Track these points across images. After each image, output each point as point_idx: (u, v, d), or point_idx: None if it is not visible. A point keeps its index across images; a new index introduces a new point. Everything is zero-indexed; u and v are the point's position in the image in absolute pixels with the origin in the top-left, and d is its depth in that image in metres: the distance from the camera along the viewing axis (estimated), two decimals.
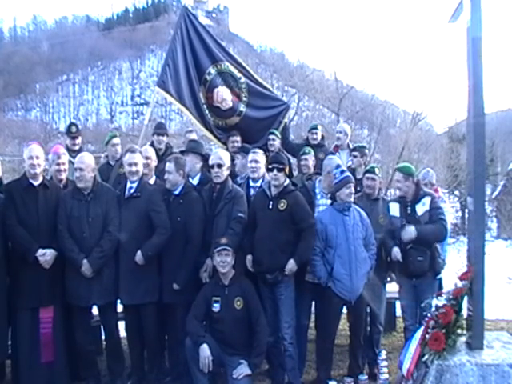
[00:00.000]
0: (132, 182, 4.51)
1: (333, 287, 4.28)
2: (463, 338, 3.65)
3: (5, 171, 6.33)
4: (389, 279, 5.13)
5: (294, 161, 6.51)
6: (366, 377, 4.30)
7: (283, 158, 4.59)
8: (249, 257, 4.41)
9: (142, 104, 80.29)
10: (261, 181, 4.78)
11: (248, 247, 4.43)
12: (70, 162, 4.84)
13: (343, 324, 5.12)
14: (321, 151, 6.00)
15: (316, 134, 6.34)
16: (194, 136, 6.12)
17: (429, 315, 3.71)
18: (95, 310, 4.63)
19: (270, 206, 4.38)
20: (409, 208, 4.58)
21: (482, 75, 3.62)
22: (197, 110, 6.23)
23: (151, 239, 4.35)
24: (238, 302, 4.15)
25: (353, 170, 5.44)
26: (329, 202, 4.61)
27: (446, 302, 3.66)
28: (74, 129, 5.89)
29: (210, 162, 4.58)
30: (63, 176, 4.65)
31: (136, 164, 4.50)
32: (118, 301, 4.54)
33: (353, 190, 4.40)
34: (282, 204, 4.35)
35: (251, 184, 4.86)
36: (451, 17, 3.96)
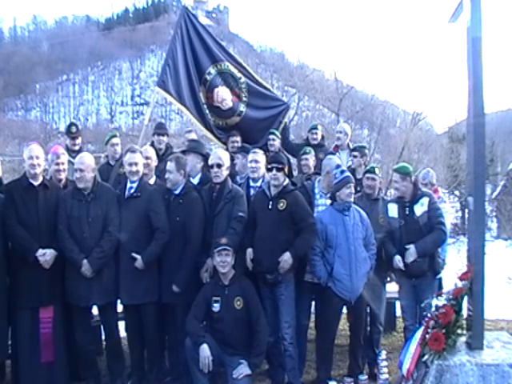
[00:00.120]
0: (132, 182, 4.51)
1: (333, 287, 4.28)
2: (463, 338, 3.65)
3: (5, 171, 6.33)
4: (389, 279, 5.14)
5: (294, 161, 6.51)
6: (365, 377, 4.31)
7: (282, 157, 4.59)
8: (249, 250, 4.39)
9: (142, 104, 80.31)
10: (261, 181, 4.79)
11: (248, 247, 4.42)
12: (70, 162, 4.84)
13: (343, 324, 5.12)
14: (321, 151, 6.00)
15: (316, 133, 6.35)
16: (193, 136, 6.13)
17: (429, 315, 3.72)
18: (95, 310, 4.63)
19: (270, 206, 4.38)
20: (407, 209, 4.58)
21: (482, 75, 3.62)
22: (197, 109, 6.23)
23: (150, 246, 4.34)
24: (238, 301, 4.15)
25: (353, 170, 5.44)
26: (328, 201, 4.61)
27: (445, 302, 3.66)
28: (74, 129, 5.89)
29: (210, 162, 4.57)
30: (62, 176, 4.65)
31: (136, 164, 4.50)
32: (118, 301, 4.54)
33: (353, 190, 4.40)
34: (281, 204, 4.35)
35: (251, 184, 4.86)
36: (451, 17, 3.97)
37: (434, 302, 3.83)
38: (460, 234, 18.26)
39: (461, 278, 3.66)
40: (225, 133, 6.30)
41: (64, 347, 4.38)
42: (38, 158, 4.28)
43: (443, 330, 3.52)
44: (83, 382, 4.53)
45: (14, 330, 4.30)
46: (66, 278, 4.34)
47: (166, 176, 4.51)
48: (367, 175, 4.90)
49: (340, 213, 4.37)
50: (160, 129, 5.92)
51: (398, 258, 4.51)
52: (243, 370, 4.00)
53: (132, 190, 4.49)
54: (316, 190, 4.75)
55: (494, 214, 26.38)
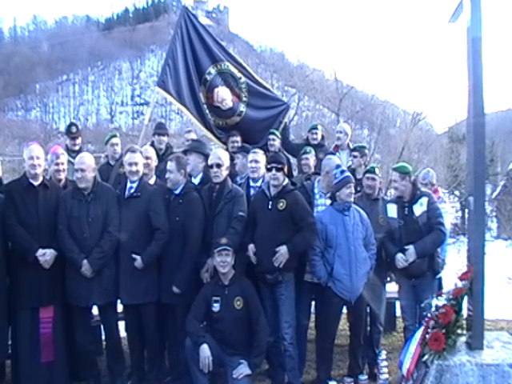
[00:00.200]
0: (132, 182, 4.51)
1: (333, 287, 4.28)
2: (463, 338, 3.65)
3: (5, 171, 6.33)
4: (389, 279, 5.14)
5: (294, 161, 6.51)
6: (365, 377, 4.30)
7: (282, 157, 4.59)
8: (251, 245, 4.37)
9: (142, 104, 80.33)
10: (261, 181, 4.78)
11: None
12: (70, 163, 4.84)
13: (343, 324, 5.12)
14: (321, 151, 6.00)
15: (316, 133, 6.35)
16: (193, 136, 6.13)
17: (429, 315, 3.72)
18: (95, 310, 4.63)
19: (270, 206, 4.38)
20: (406, 209, 4.58)
21: (482, 75, 3.62)
22: (197, 109, 6.23)
23: (150, 246, 4.34)
24: (238, 301, 4.15)
25: (353, 170, 5.44)
26: (328, 201, 4.61)
27: (446, 302, 3.66)
28: (74, 129, 5.89)
29: (209, 162, 4.57)
30: (62, 176, 4.65)
31: (136, 164, 4.50)
32: (118, 301, 4.54)
33: (353, 190, 4.40)
34: (281, 204, 4.35)
35: (251, 184, 4.86)
36: (451, 17, 3.97)
37: (434, 301, 3.84)
38: (460, 233, 18.25)
39: (461, 278, 3.66)
40: (225, 133, 6.30)
41: (64, 347, 4.38)
42: (38, 158, 4.28)
43: (443, 330, 3.52)
44: (83, 382, 4.53)
45: (14, 330, 4.30)
46: (66, 278, 4.34)
47: (167, 176, 4.51)
48: (367, 175, 4.90)
49: (340, 213, 4.37)
50: (160, 129, 5.92)
51: (400, 255, 4.50)
52: (243, 370, 3.99)
53: (132, 190, 4.49)
54: (316, 190, 4.75)
55: (494, 214, 26.38)
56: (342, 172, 4.44)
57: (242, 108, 6.36)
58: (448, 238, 5.19)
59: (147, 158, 4.79)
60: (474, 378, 3.34)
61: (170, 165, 4.50)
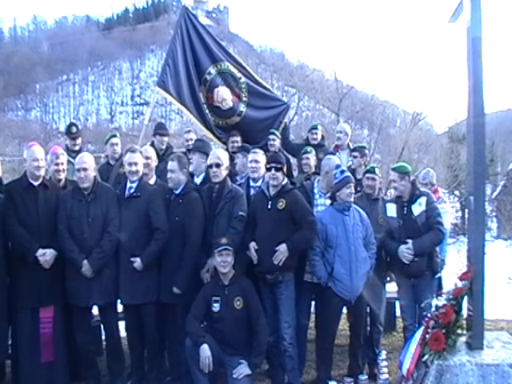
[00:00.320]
0: (132, 182, 4.51)
1: (333, 287, 4.28)
2: (463, 338, 3.65)
3: (5, 171, 6.33)
4: (388, 279, 5.14)
5: (294, 161, 6.51)
6: (365, 377, 4.30)
7: (281, 157, 4.59)
8: (252, 243, 4.36)
9: (142, 104, 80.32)
10: (261, 181, 4.78)
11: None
12: (70, 163, 4.84)
13: (343, 324, 5.11)
14: (321, 151, 6.00)
15: (316, 134, 6.35)
16: (192, 136, 6.12)
17: (429, 315, 3.72)
18: (95, 310, 4.63)
19: (269, 206, 4.38)
20: (405, 208, 4.58)
21: (482, 75, 3.62)
22: (197, 109, 6.24)
23: (149, 246, 4.34)
24: (238, 301, 4.15)
25: (353, 170, 5.44)
26: (327, 201, 4.61)
27: (445, 302, 3.66)
28: (74, 129, 5.88)
29: (208, 162, 4.58)
30: (62, 176, 4.64)
31: (136, 164, 4.50)
32: (118, 301, 4.54)
33: (353, 190, 4.41)
34: (280, 203, 4.35)
35: (251, 184, 4.86)
36: (451, 17, 3.97)
37: (434, 301, 3.84)
38: (460, 233, 18.27)
39: (461, 278, 3.66)
40: (225, 133, 6.31)
41: (64, 347, 4.38)
42: (42, 159, 4.31)
43: (443, 330, 3.52)
44: (83, 382, 4.53)
45: (14, 330, 4.30)
46: (66, 278, 4.34)
47: (169, 175, 4.50)
48: (367, 175, 4.90)
49: (340, 213, 4.37)
50: (162, 129, 5.93)
51: (402, 247, 4.49)
52: (243, 369, 3.99)
53: (132, 190, 4.49)
54: (315, 190, 4.75)
55: (494, 214, 26.38)
56: (342, 172, 4.44)
57: (242, 108, 6.36)
58: (448, 238, 5.19)
59: (147, 157, 4.79)
60: (474, 378, 3.33)
61: (172, 164, 4.49)
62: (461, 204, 22.56)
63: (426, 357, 3.50)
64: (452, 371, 3.36)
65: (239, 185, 4.85)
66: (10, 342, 4.36)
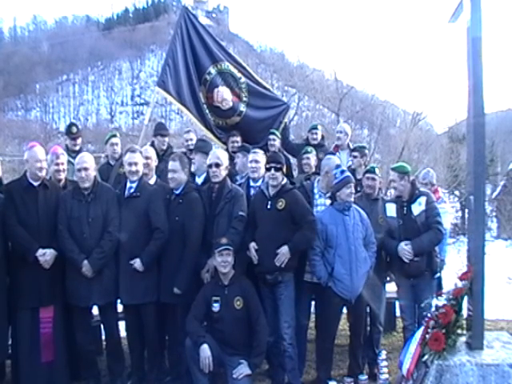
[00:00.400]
0: (132, 182, 4.51)
1: (333, 287, 4.28)
2: (463, 338, 3.65)
3: (5, 171, 6.34)
4: (388, 279, 5.14)
5: (294, 161, 6.51)
6: (365, 377, 4.30)
7: (280, 157, 4.59)
8: (252, 244, 4.36)
9: (142, 104, 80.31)
10: (261, 181, 4.79)
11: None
12: (70, 163, 4.84)
13: (343, 324, 5.12)
14: (321, 151, 6.00)
15: (316, 134, 6.35)
16: (192, 136, 6.12)
17: (429, 315, 3.72)
18: (95, 310, 4.63)
19: (269, 206, 4.38)
20: (405, 208, 4.59)
21: (482, 75, 3.62)
22: (197, 109, 6.24)
23: (149, 246, 4.34)
24: (238, 301, 4.15)
25: (353, 170, 5.44)
26: (327, 201, 4.61)
27: (446, 302, 3.66)
28: (74, 129, 5.87)
29: (208, 162, 4.58)
30: (62, 176, 4.65)
31: (136, 164, 4.51)
32: (118, 301, 4.54)
33: (353, 190, 4.41)
34: (280, 203, 4.35)
35: (251, 184, 4.86)
36: (451, 17, 3.97)
37: (434, 301, 3.84)
38: (460, 233, 18.27)
39: (461, 278, 3.66)
40: (225, 133, 6.31)
41: (64, 347, 4.38)
42: (44, 160, 4.32)
43: (443, 330, 3.52)
44: (83, 382, 4.53)
45: (14, 329, 4.30)
46: (66, 278, 4.34)
47: (171, 176, 4.49)
48: (367, 175, 4.90)
49: (340, 213, 4.37)
50: (163, 130, 5.93)
51: (402, 245, 4.49)
52: (243, 369, 3.99)
53: (132, 190, 4.49)
54: (315, 190, 4.75)
55: (494, 214, 26.38)
56: (342, 172, 4.44)
57: (242, 108, 6.36)
58: (448, 238, 5.19)
59: (147, 158, 4.79)
60: (474, 378, 3.33)
61: (174, 164, 4.49)
62: (461, 204, 22.57)
63: (426, 357, 3.50)
64: (452, 371, 3.36)
65: (239, 185, 4.85)
66: (10, 342, 4.36)
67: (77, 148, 5.76)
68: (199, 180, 4.82)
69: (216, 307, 4.15)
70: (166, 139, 5.83)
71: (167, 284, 4.34)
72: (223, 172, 4.54)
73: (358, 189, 4.92)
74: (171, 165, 4.50)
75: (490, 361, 3.41)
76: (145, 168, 4.66)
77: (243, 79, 6.41)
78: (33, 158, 4.26)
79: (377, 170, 4.95)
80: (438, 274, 4.85)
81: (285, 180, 4.47)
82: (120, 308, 4.69)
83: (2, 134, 39.30)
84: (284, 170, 4.50)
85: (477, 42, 3.60)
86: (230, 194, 4.47)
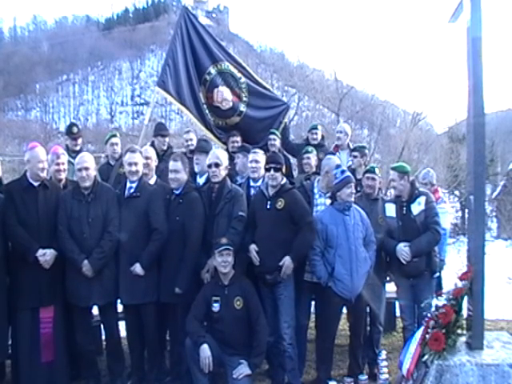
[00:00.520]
0: (132, 182, 4.51)
1: (333, 287, 4.27)
2: (463, 338, 3.65)
3: (5, 171, 6.33)
4: (388, 279, 5.14)
5: (294, 161, 6.51)
6: (365, 377, 4.30)
7: (280, 157, 4.59)
8: (252, 245, 4.36)
9: (142, 104, 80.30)
10: (261, 181, 4.79)
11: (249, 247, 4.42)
12: (70, 163, 4.84)
13: (343, 324, 5.12)
14: (321, 151, 6.00)
15: (316, 134, 6.35)
16: (192, 136, 6.12)
17: (429, 315, 3.72)
18: (95, 310, 4.63)
19: (268, 206, 4.38)
20: (404, 208, 4.59)
21: (482, 75, 3.62)
22: (197, 109, 6.24)
23: (148, 248, 4.34)
24: (238, 301, 4.15)
25: (353, 170, 5.44)
26: (327, 201, 4.61)
27: (446, 302, 3.66)
28: (75, 129, 5.87)
29: (208, 162, 4.58)
30: (63, 176, 4.65)
31: (136, 164, 4.50)
32: (118, 301, 4.54)
33: (354, 190, 4.41)
34: (279, 203, 4.36)
35: (251, 184, 4.87)
36: (451, 17, 3.97)
37: (434, 301, 3.84)
38: (460, 233, 18.27)
39: (461, 278, 3.66)
40: (225, 133, 6.31)
41: (64, 347, 4.38)
42: (46, 161, 4.32)
43: (443, 330, 3.52)
44: (83, 382, 4.53)
45: (14, 330, 4.30)
46: (66, 278, 4.34)
47: (173, 176, 4.48)
48: (367, 175, 4.90)
49: (340, 212, 4.37)
50: (163, 130, 5.93)
51: (400, 245, 4.49)
52: (243, 369, 3.99)
53: (132, 190, 4.49)
54: (315, 190, 4.75)
55: (494, 214, 26.37)
56: (343, 172, 4.44)
57: (242, 108, 6.37)
58: (448, 238, 5.19)
59: (147, 158, 4.79)
60: (474, 378, 3.33)
61: (177, 165, 4.48)
62: (461, 204, 22.57)
63: (426, 357, 3.50)
64: (452, 371, 3.36)
65: (239, 185, 4.85)
66: (10, 342, 4.35)
67: (77, 148, 5.75)
68: (201, 180, 4.82)
69: (216, 307, 4.15)
70: (166, 139, 5.83)
71: (167, 284, 4.34)
72: (223, 172, 4.54)
73: (358, 189, 4.92)
74: (173, 165, 4.49)
75: (490, 361, 3.41)
76: (145, 168, 4.66)
77: (243, 79, 6.41)
78: (35, 159, 4.26)
79: (377, 170, 4.95)
80: (438, 274, 4.85)
81: (284, 180, 4.47)
82: (120, 308, 4.69)
83: (2, 134, 39.33)
84: (284, 170, 4.51)
85: (477, 42, 3.60)
86: (230, 194, 4.47)
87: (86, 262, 4.21)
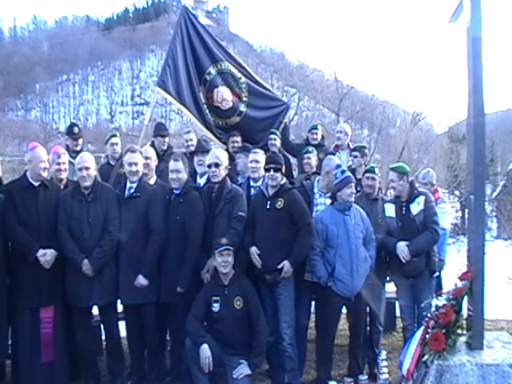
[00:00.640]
0: (132, 182, 4.51)
1: (333, 287, 4.28)
2: (463, 338, 3.65)
3: (5, 171, 6.34)
4: (388, 279, 5.14)
5: (294, 161, 6.51)
6: (365, 377, 4.30)
7: (280, 157, 4.59)
8: (253, 248, 4.36)
9: (142, 104, 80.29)
10: (261, 181, 4.79)
11: (249, 247, 4.41)
12: (70, 163, 4.84)
13: (343, 324, 5.12)
14: (321, 151, 6.00)
15: (316, 134, 6.35)
16: (192, 136, 6.12)
17: (429, 315, 3.72)
18: (95, 310, 4.63)
19: (268, 206, 4.38)
20: (404, 208, 4.60)
21: (482, 75, 3.62)
22: (197, 109, 6.24)
23: (147, 250, 4.34)
24: (238, 301, 4.15)
25: (353, 170, 5.44)
26: (327, 201, 4.62)
27: (446, 302, 3.66)
28: (76, 130, 5.86)
29: (207, 162, 4.58)
30: (63, 176, 4.64)
31: (136, 164, 4.51)
32: (118, 301, 4.54)
33: (354, 190, 4.41)
34: (279, 203, 4.36)
35: (252, 184, 4.87)
36: (451, 17, 3.97)
37: (434, 301, 3.84)
38: (460, 233, 18.27)
39: (461, 278, 3.66)
40: (225, 133, 6.31)
41: (64, 347, 4.38)
42: (47, 161, 4.32)
43: (443, 330, 3.52)
44: (83, 382, 4.53)
45: (15, 330, 4.30)
46: (66, 278, 4.34)
47: (175, 176, 4.47)
48: (367, 175, 4.90)
49: (341, 212, 4.37)
50: (163, 130, 5.93)
51: (400, 244, 4.49)
52: (243, 369, 3.99)
53: (132, 190, 4.49)
54: (315, 190, 4.76)
55: (494, 214, 26.36)
56: (343, 172, 4.44)
57: (242, 108, 6.37)
58: (448, 238, 5.19)
59: (147, 158, 4.79)
60: (474, 378, 3.34)
61: (177, 164, 4.48)
62: (461, 204, 22.56)
63: (426, 357, 3.50)
64: (452, 371, 3.36)
65: (240, 185, 4.85)
66: (10, 342, 4.35)
67: (78, 148, 5.75)
68: (201, 181, 4.82)
69: (216, 307, 4.15)
70: (166, 139, 5.83)
71: (167, 284, 4.34)
72: (223, 172, 4.54)
73: (358, 189, 4.92)
74: (174, 165, 4.49)
75: (490, 361, 3.41)
76: (145, 168, 4.66)
77: (243, 79, 6.41)
78: (37, 159, 4.26)
79: (377, 170, 4.95)
80: (437, 274, 4.85)
81: (284, 180, 4.47)
82: (120, 308, 4.69)
83: (2, 134, 39.33)
84: (283, 170, 4.51)
85: (477, 42, 3.60)
86: (230, 195, 4.47)
87: (86, 261, 4.21)
